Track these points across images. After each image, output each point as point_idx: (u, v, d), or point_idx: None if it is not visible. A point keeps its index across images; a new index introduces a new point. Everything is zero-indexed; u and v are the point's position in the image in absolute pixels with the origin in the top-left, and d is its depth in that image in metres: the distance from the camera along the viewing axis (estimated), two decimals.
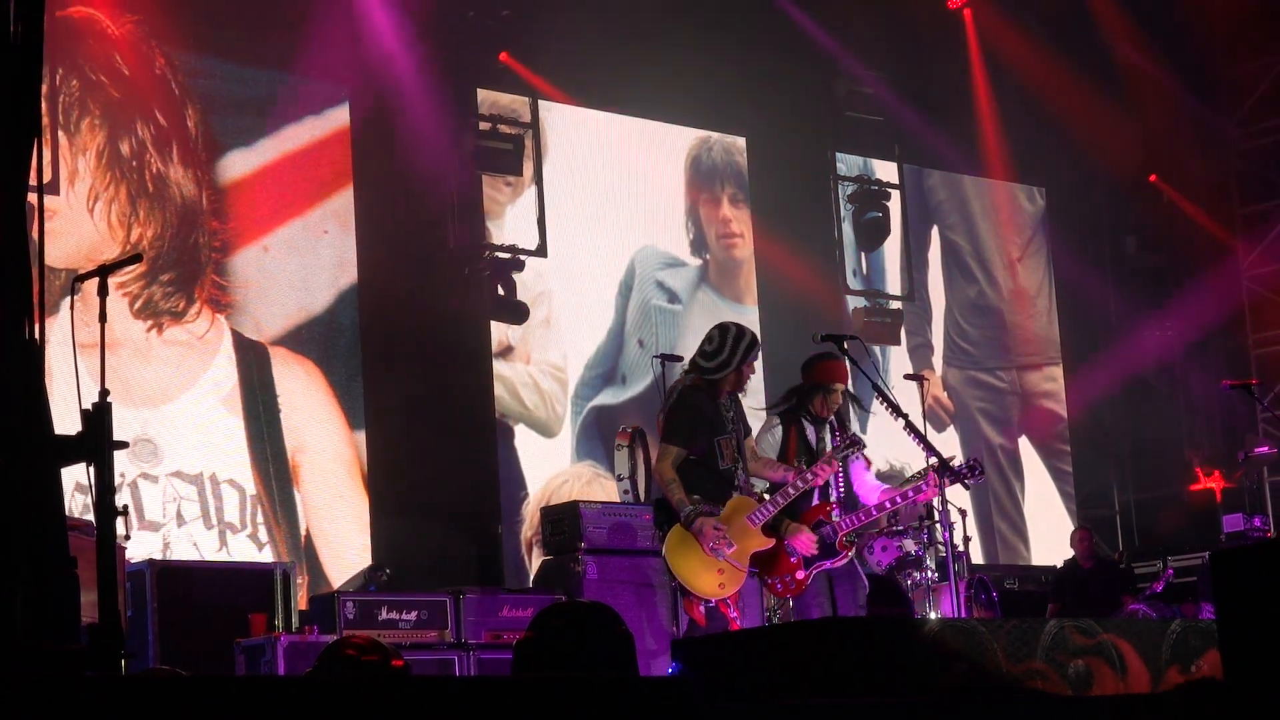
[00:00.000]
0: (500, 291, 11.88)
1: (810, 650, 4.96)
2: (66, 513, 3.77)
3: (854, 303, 14.39)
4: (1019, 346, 15.65)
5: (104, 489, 4.01)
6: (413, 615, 8.49)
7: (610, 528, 9.36)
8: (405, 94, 11.68)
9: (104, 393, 4.88)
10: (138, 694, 2.65)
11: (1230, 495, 14.58)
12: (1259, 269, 15.70)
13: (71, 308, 5.42)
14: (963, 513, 10.50)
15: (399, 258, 11.62)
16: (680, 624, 7.66)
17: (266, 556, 10.48)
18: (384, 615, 8.42)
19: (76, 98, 10.28)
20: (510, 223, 12.26)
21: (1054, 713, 4.80)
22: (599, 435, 12.26)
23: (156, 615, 8.17)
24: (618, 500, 10.29)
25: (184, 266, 10.56)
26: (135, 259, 7.49)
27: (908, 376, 11.29)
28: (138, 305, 10.30)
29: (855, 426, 8.46)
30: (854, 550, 7.88)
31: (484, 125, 12.12)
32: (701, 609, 7.39)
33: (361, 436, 11.21)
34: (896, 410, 7.90)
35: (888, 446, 12.17)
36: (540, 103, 12.57)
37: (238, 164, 10.95)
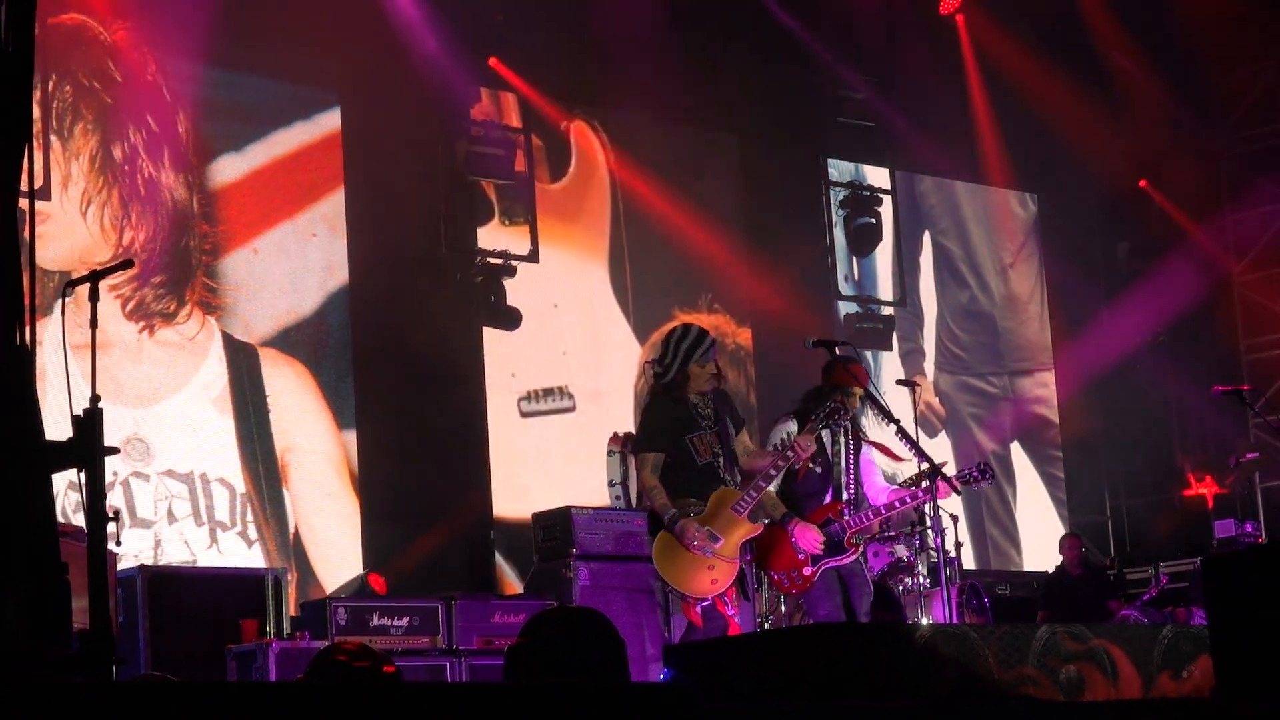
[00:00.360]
0: (492, 297, 11.90)
1: (802, 656, 4.96)
2: (59, 513, 3.77)
3: (845, 308, 14.40)
4: (1011, 352, 15.66)
5: (95, 495, 4.01)
6: (404, 621, 8.48)
7: (602, 533, 9.35)
8: (396, 99, 11.70)
9: (95, 398, 4.87)
10: (129, 700, 2.65)
11: (1222, 501, 14.60)
12: (1250, 275, 15.73)
13: (63, 312, 5.42)
14: (954, 518, 10.50)
15: (390, 263, 11.66)
16: (673, 628, 7.66)
17: (256, 554, 10.59)
18: (375, 621, 8.41)
19: (70, 103, 10.39)
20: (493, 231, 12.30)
21: (1046, 719, 4.80)
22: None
23: (148, 621, 8.17)
24: (609, 506, 10.28)
25: (175, 269, 10.68)
26: (127, 264, 7.49)
27: (899, 382, 11.31)
28: (129, 307, 10.42)
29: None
30: (861, 549, 7.92)
31: (475, 131, 12.12)
32: (698, 610, 7.38)
33: (349, 437, 11.30)
34: (888, 416, 7.94)
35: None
36: (532, 108, 12.58)
37: (228, 168, 11.09)
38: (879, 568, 10.12)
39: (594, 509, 9.72)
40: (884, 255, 14.79)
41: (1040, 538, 15.07)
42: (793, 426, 7.92)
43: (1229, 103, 15.81)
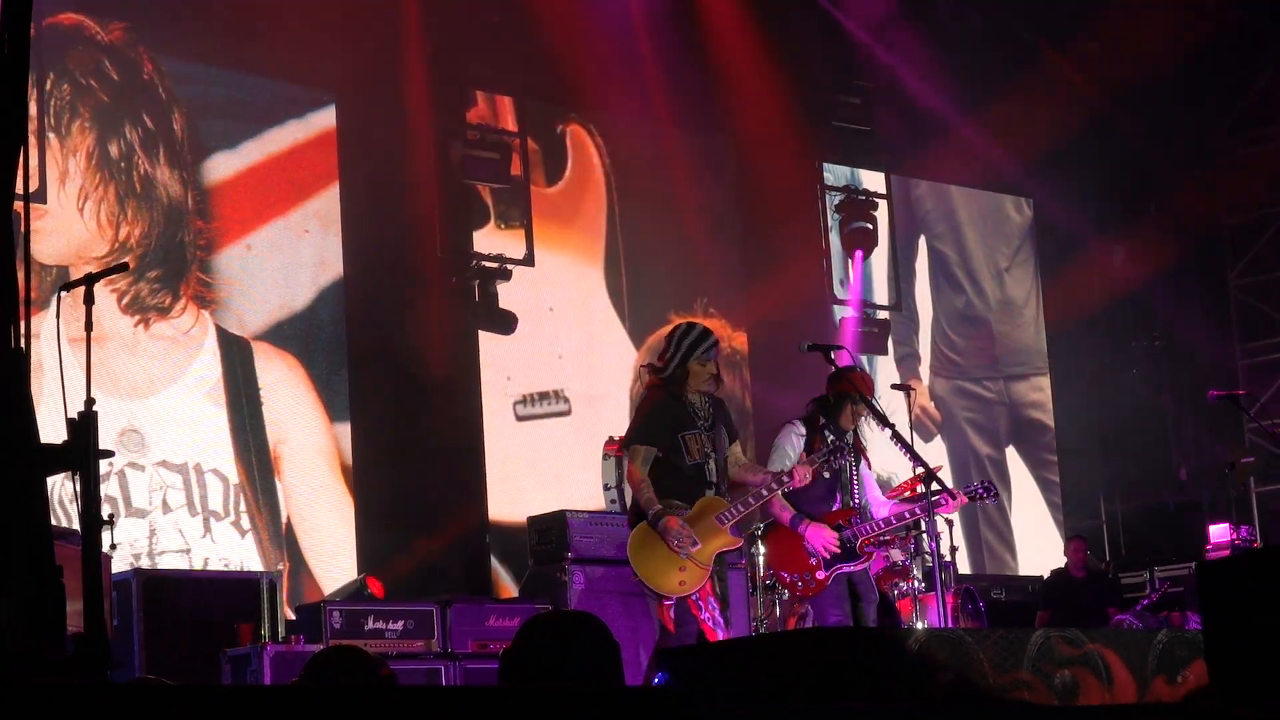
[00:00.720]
0: (487, 300, 11.91)
1: (796, 660, 4.96)
2: (52, 510, 3.76)
3: (841, 313, 14.41)
4: (1006, 356, 15.67)
5: (89, 499, 4.01)
6: (399, 625, 8.48)
7: (598, 537, 9.34)
8: (392, 101, 11.72)
9: (89, 402, 4.86)
10: (123, 703, 2.65)
11: (1217, 505, 14.61)
12: (1246, 279, 15.75)
13: (58, 316, 5.40)
14: (949, 523, 10.50)
15: (386, 266, 11.71)
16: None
17: (249, 543, 10.74)
18: (370, 625, 8.40)
19: (67, 101, 10.54)
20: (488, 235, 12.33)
21: None
22: None
23: (142, 625, 8.17)
24: (605, 510, 10.28)
25: (170, 264, 10.83)
26: (122, 268, 7.51)
27: (895, 386, 11.29)
28: (125, 301, 10.56)
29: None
30: (872, 557, 7.93)
31: (471, 134, 12.13)
32: (671, 613, 7.36)
33: (340, 429, 11.40)
34: (883, 420, 7.94)
35: (873, 455, 12.16)
36: (528, 110, 12.59)
37: (222, 166, 11.24)
38: (874, 572, 10.13)
39: (589, 513, 9.72)
40: (879, 260, 14.78)
41: (1035, 542, 15.07)
42: (803, 430, 7.93)
43: (1227, 105, 15.80)
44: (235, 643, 8.15)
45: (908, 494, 9.29)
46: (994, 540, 15.07)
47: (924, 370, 15.05)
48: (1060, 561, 13.25)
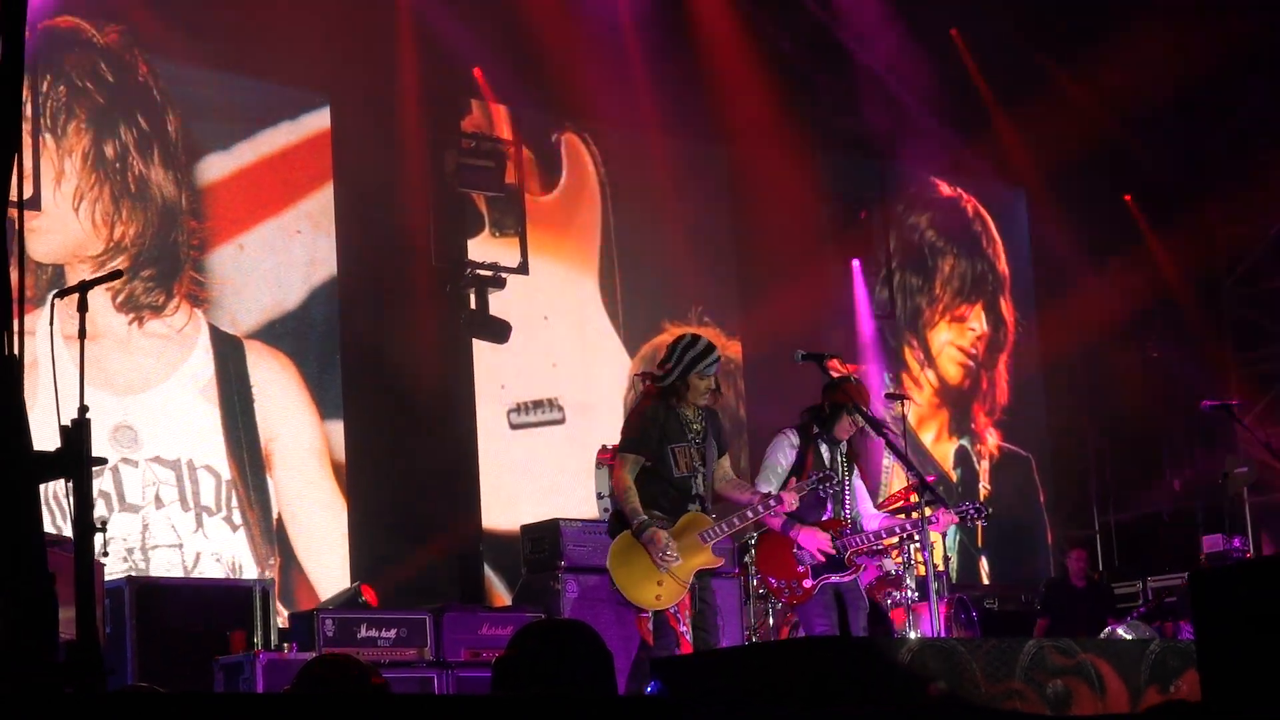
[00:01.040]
0: (479, 308, 11.92)
1: (790, 669, 4.96)
2: (45, 512, 3.76)
3: (851, 322, 14.40)
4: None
5: (82, 505, 4.00)
6: (392, 633, 8.47)
7: (591, 546, 9.33)
8: (387, 107, 11.73)
9: (83, 409, 4.85)
10: (116, 711, 2.64)
11: (1210, 516, 14.60)
12: (1242, 289, 15.75)
13: (51, 324, 5.40)
14: (943, 533, 10.51)
15: (380, 275, 11.73)
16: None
17: (241, 539, 10.83)
18: (363, 633, 8.40)
19: (63, 103, 10.63)
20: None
21: None
22: None
23: (135, 632, 8.16)
24: (598, 519, 10.28)
25: (163, 263, 10.92)
26: (115, 275, 7.52)
27: (888, 395, 11.30)
28: (119, 299, 10.65)
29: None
30: (861, 569, 7.92)
31: (466, 142, 12.13)
32: (649, 626, 7.34)
33: (331, 426, 11.46)
34: (877, 428, 7.94)
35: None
36: (523, 119, 12.59)
37: (215, 167, 11.32)
38: (866, 581, 10.13)
39: (583, 521, 9.72)
40: (875, 268, 14.79)
41: (1028, 553, 15.07)
42: (796, 440, 7.93)
43: (1225, 113, 15.79)
44: (228, 650, 8.14)
45: (900, 504, 9.31)
46: (987, 550, 15.07)
47: None
48: (1052, 572, 13.24)
